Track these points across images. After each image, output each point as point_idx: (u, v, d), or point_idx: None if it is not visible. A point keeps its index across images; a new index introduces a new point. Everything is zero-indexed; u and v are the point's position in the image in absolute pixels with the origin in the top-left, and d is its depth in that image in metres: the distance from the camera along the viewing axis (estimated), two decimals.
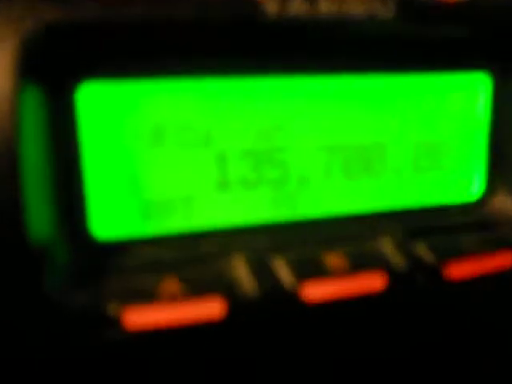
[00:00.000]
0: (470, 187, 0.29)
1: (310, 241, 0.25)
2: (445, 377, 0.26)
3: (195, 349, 0.22)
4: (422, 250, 0.25)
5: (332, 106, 0.26)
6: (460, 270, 0.25)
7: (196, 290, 0.22)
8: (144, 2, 0.20)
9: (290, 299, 0.22)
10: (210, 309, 0.21)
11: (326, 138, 0.26)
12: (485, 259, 0.26)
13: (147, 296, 0.21)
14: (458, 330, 0.26)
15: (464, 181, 0.29)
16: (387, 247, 0.25)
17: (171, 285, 0.22)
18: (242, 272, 0.23)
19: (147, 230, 0.24)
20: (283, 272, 0.23)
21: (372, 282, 0.23)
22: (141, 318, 0.20)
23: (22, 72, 0.19)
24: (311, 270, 0.23)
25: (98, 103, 0.22)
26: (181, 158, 0.24)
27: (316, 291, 0.22)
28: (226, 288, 0.22)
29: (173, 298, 0.21)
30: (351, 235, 0.25)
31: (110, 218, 0.23)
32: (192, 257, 0.23)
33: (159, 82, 0.23)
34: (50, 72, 0.21)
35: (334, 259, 0.24)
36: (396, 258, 0.25)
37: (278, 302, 0.22)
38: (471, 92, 0.28)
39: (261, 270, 0.23)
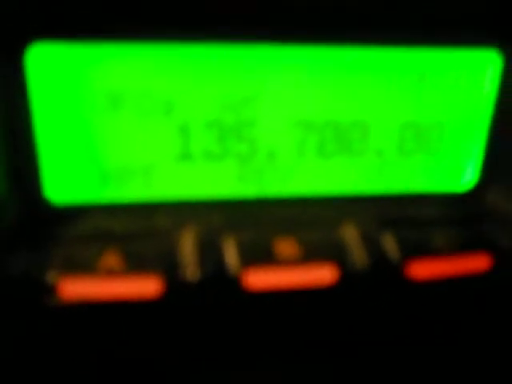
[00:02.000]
0: (460, 177, 0.26)
1: (266, 222, 0.24)
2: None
3: (130, 324, 0.22)
4: (388, 244, 0.24)
5: (309, 78, 0.24)
6: (425, 270, 0.24)
7: (136, 265, 0.22)
8: None
9: (232, 285, 0.22)
10: (146, 287, 0.21)
11: (301, 112, 0.24)
12: (457, 260, 0.24)
13: (86, 267, 0.21)
14: (416, 335, 0.25)
15: (455, 170, 0.26)
16: (350, 237, 0.24)
17: (112, 258, 0.22)
18: (187, 250, 0.22)
19: (103, 196, 0.24)
20: (229, 255, 0.22)
21: (322, 276, 0.22)
22: (76, 288, 0.21)
23: None
24: (259, 255, 0.22)
25: (49, 66, 0.21)
26: (140, 126, 0.23)
27: (259, 279, 0.22)
28: (166, 267, 0.22)
29: (110, 272, 0.21)
30: (314, 219, 0.24)
31: (64, 182, 0.23)
32: (142, 229, 0.23)
33: (114, 46, 0.21)
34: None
35: (285, 246, 0.23)
36: (356, 250, 0.23)
37: (218, 287, 0.22)
38: (476, 71, 0.25)
39: (207, 250, 0.22)
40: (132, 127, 0.23)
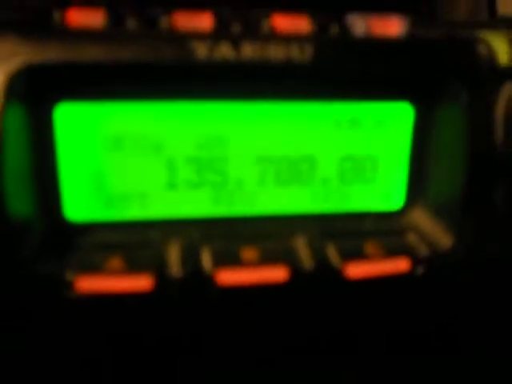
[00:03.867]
0: (390, 200, 0.33)
1: (235, 235, 0.31)
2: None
3: (129, 314, 0.29)
4: (331, 251, 0.31)
5: (268, 124, 0.31)
6: (359, 271, 0.30)
7: (133, 267, 0.28)
8: (98, 47, 0.26)
9: (207, 282, 0.29)
10: (141, 283, 0.28)
11: (261, 149, 0.31)
12: (384, 263, 0.31)
13: (96, 269, 0.28)
14: (354, 326, 0.32)
15: (386, 194, 0.33)
16: (300, 246, 0.31)
17: (115, 262, 0.29)
18: (173, 256, 0.29)
19: (108, 216, 0.31)
20: (205, 259, 0.29)
21: (276, 275, 0.29)
22: (89, 284, 0.28)
23: (8, 98, 0.26)
24: (228, 259, 0.29)
25: (71, 119, 0.29)
26: (137, 161, 0.30)
27: (228, 277, 0.29)
28: (156, 268, 0.28)
29: (114, 273, 0.28)
30: (272, 233, 0.31)
31: (79, 204, 0.30)
32: (138, 241, 0.30)
33: (118, 103, 0.29)
34: (33, 97, 0.27)
35: (248, 252, 0.30)
36: (304, 256, 0.30)
37: (197, 284, 0.29)
38: (395, 119, 0.32)
39: (189, 256, 0.29)
40: (131, 162, 0.30)
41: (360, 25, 0.30)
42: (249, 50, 0.27)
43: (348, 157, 0.32)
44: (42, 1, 0.28)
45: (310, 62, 0.28)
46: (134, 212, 0.31)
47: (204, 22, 0.28)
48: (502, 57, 0.32)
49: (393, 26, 0.31)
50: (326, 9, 0.30)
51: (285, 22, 0.29)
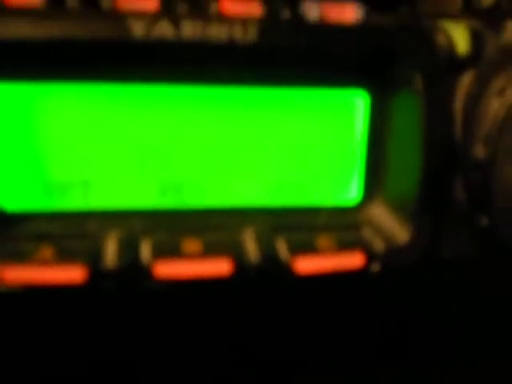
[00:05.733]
0: (345, 194, 0.32)
1: (179, 227, 0.29)
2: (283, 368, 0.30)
3: (61, 309, 0.27)
4: (280, 244, 0.29)
5: (212, 114, 0.30)
6: (309, 266, 0.28)
7: (65, 257, 0.27)
8: (31, 22, 0.25)
9: (144, 274, 0.27)
10: (73, 274, 0.26)
11: (207, 139, 0.30)
12: (337, 258, 0.29)
13: (24, 258, 0.26)
14: (302, 324, 0.30)
15: (340, 187, 0.32)
16: (247, 238, 0.29)
17: (46, 252, 0.27)
18: (110, 247, 0.28)
19: (45, 205, 0.29)
20: (144, 251, 0.28)
21: (218, 267, 0.27)
22: (15, 274, 0.26)
23: None
24: (167, 251, 0.28)
25: (5, 100, 0.27)
26: (77, 149, 0.29)
27: (166, 270, 0.27)
28: (90, 258, 0.27)
29: (44, 262, 0.26)
30: (219, 225, 0.30)
31: (13, 192, 0.29)
32: (75, 232, 0.28)
33: (57, 85, 0.28)
34: None
35: (190, 244, 0.28)
36: (250, 249, 0.28)
37: (133, 275, 0.27)
38: (348, 107, 0.31)
39: (127, 248, 0.28)
40: (71, 150, 0.29)
41: (314, 10, 0.29)
42: (189, 30, 0.26)
43: (300, 146, 0.31)
44: None
45: (254, 43, 0.26)
46: (74, 202, 0.29)
47: (148, 3, 0.27)
48: (462, 47, 0.31)
49: (348, 13, 0.30)
50: None
51: (234, 6, 0.28)
